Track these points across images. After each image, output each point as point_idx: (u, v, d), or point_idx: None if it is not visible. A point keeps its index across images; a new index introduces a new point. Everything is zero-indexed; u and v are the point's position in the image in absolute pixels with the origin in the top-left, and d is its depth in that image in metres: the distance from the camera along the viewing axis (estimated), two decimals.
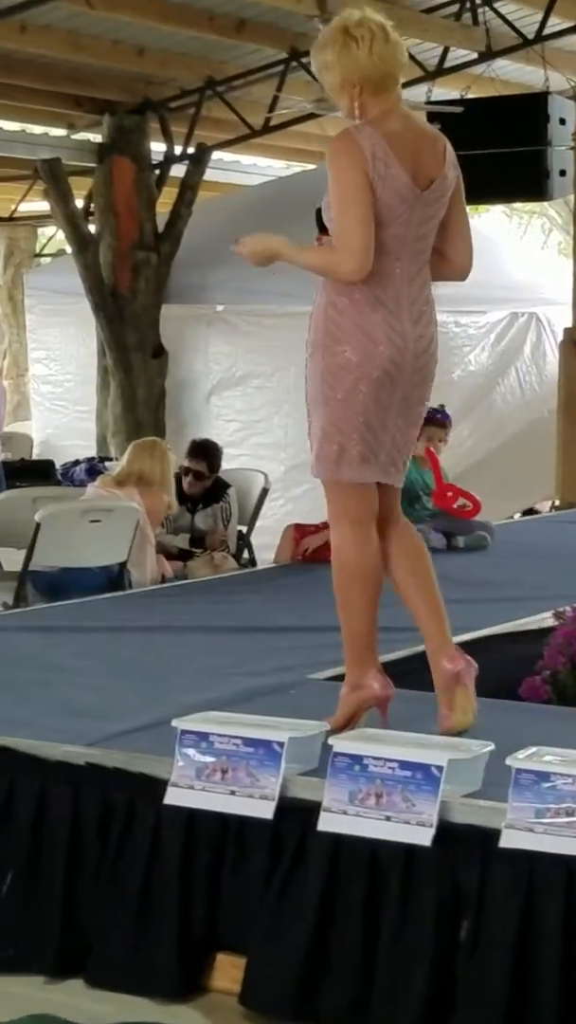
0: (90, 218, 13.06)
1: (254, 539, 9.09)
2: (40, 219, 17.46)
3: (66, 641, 5.91)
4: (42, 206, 15.72)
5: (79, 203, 12.87)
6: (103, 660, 5.46)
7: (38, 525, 7.39)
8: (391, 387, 4.29)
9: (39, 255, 19.37)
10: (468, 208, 4.52)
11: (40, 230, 19.92)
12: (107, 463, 10.42)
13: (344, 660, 4.46)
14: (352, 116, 4.28)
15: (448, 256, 4.46)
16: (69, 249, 13.33)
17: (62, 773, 4.08)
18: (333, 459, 4.31)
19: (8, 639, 6.00)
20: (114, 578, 7.56)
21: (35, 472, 10.54)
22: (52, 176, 12.38)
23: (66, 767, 4.08)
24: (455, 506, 8.31)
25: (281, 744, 3.79)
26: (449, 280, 4.54)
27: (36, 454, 13.23)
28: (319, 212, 4.43)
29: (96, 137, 12.88)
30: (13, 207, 15.96)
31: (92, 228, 12.76)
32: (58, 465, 10.85)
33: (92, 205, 13.17)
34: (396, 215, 4.23)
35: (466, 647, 4.51)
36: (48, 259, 18.89)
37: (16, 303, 19.07)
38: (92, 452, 12.05)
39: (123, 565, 7.55)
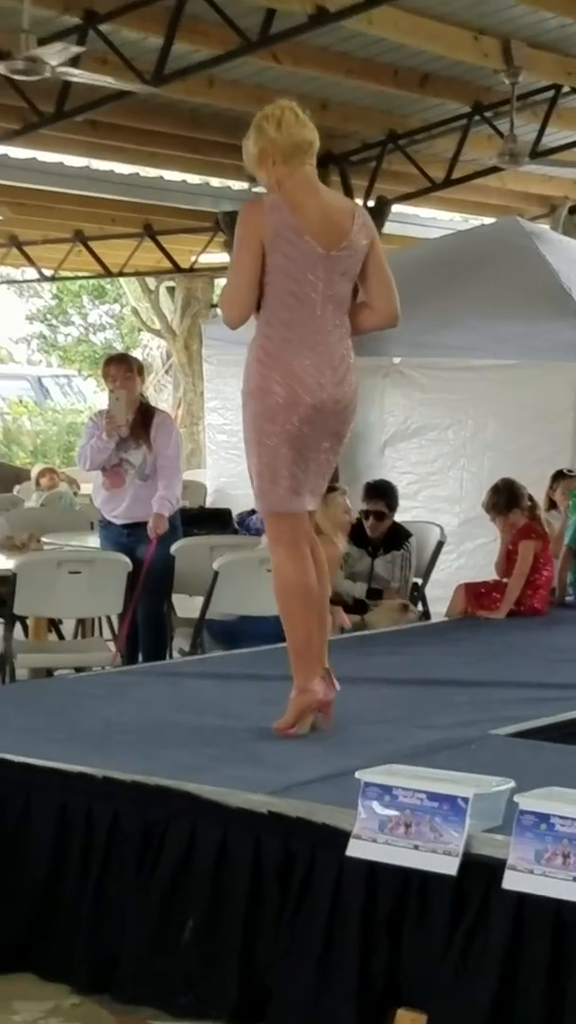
0: None
1: (427, 591, 9.07)
2: (217, 271, 17.70)
3: (244, 689, 5.95)
4: (220, 257, 15.94)
5: None
6: (282, 709, 5.45)
7: (216, 573, 7.45)
8: (314, 428, 4.88)
9: (215, 306, 19.65)
10: None
11: (217, 281, 20.22)
12: None
13: (293, 667, 5.00)
14: (271, 188, 4.90)
15: (374, 306, 5.05)
16: None
17: (243, 821, 4.09)
18: (267, 493, 4.93)
19: (187, 686, 6.05)
20: None
21: (212, 520, 10.61)
22: (233, 228, 12.49)
23: (248, 815, 4.09)
24: None
25: (466, 799, 3.75)
26: (380, 327, 5.17)
27: (210, 502, 13.34)
28: None
29: None
30: (193, 259, 16.19)
31: None
32: (234, 514, 10.91)
33: None
34: (305, 272, 4.83)
35: None
36: None
37: (192, 353, 19.36)
38: None
39: None
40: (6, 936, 4.31)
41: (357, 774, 3.93)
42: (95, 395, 29.38)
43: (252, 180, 13.37)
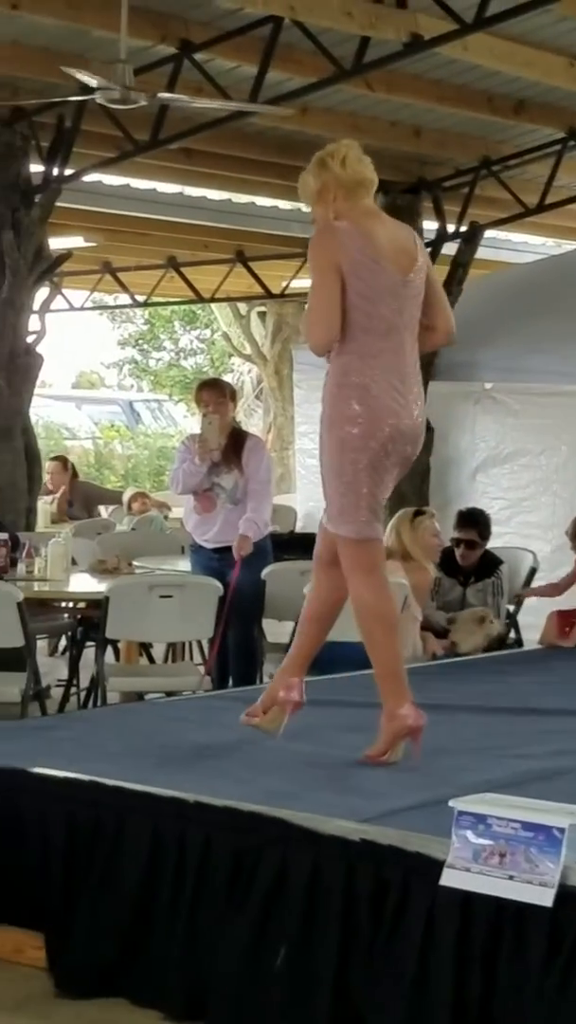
0: None
1: (519, 619, 9.01)
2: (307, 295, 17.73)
3: (334, 715, 5.92)
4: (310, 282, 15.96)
5: None
6: (371, 736, 5.43)
7: (306, 598, 7.42)
8: (390, 453, 4.96)
9: None
10: None
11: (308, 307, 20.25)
12: None
13: (381, 693, 5.04)
14: (326, 221, 4.98)
15: (435, 326, 5.16)
16: None
17: (336, 848, 4.07)
18: (350, 520, 4.95)
19: None
20: None
21: (302, 545, 10.56)
22: None
23: (340, 842, 4.07)
24: None
25: (562, 830, 3.71)
26: (440, 346, 5.42)
27: (300, 527, 13.34)
28: None
29: None
30: (284, 284, 16.24)
31: None
32: None
33: None
34: (384, 297, 4.90)
35: None
36: None
37: (283, 378, 19.44)
38: None
39: None
40: (99, 961, 4.33)
41: (451, 803, 3.91)
42: (185, 420, 29.53)
43: None
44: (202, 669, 8.07)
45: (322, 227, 5.01)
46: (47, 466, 13.12)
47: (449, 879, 3.81)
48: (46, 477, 12.86)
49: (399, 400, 4.94)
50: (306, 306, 5.00)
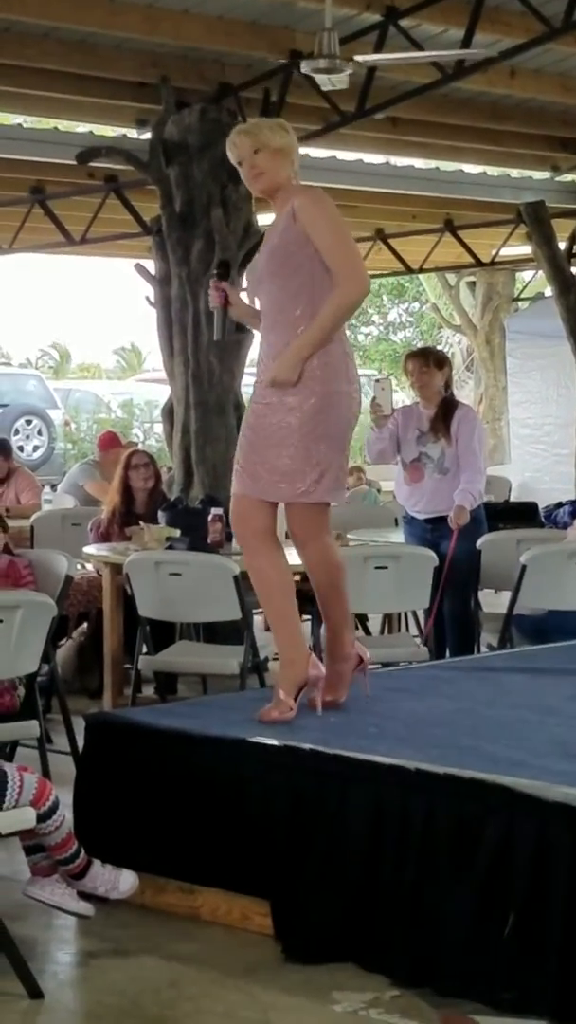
0: (573, 260, 12.98)
1: None
2: (518, 263, 17.51)
3: (557, 684, 5.86)
4: (521, 250, 15.77)
5: (561, 245, 12.83)
6: None
7: (523, 567, 7.34)
8: (352, 423, 5.19)
9: (517, 299, 19.45)
10: None
11: (518, 275, 20.02)
12: None
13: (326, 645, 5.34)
14: (290, 178, 5.15)
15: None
16: (548, 292, 13.29)
17: (563, 815, 4.01)
18: (316, 485, 5.11)
19: (497, 680, 6.00)
20: None
21: (517, 514, 10.46)
22: (536, 219, 12.37)
23: (567, 809, 4.01)
24: None
25: None
26: None
27: (514, 497, 13.23)
28: (226, 264, 5.93)
29: None
30: (494, 252, 16.06)
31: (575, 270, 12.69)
32: (540, 507, 10.77)
33: None
34: None
35: None
36: (526, 303, 18.94)
37: (494, 347, 19.24)
38: (571, 495, 11.93)
39: None
40: (327, 926, 4.34)
41: None
42: (395, 393, 29.46)
43: (555, 169, 13.25)
44: (418, 640, 8.03)
45: (314, 188, 5.21)
46: None
47: None
48: None
49: (355, 372, 5.29)
50: (336, 257, 5.02)
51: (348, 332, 5.38)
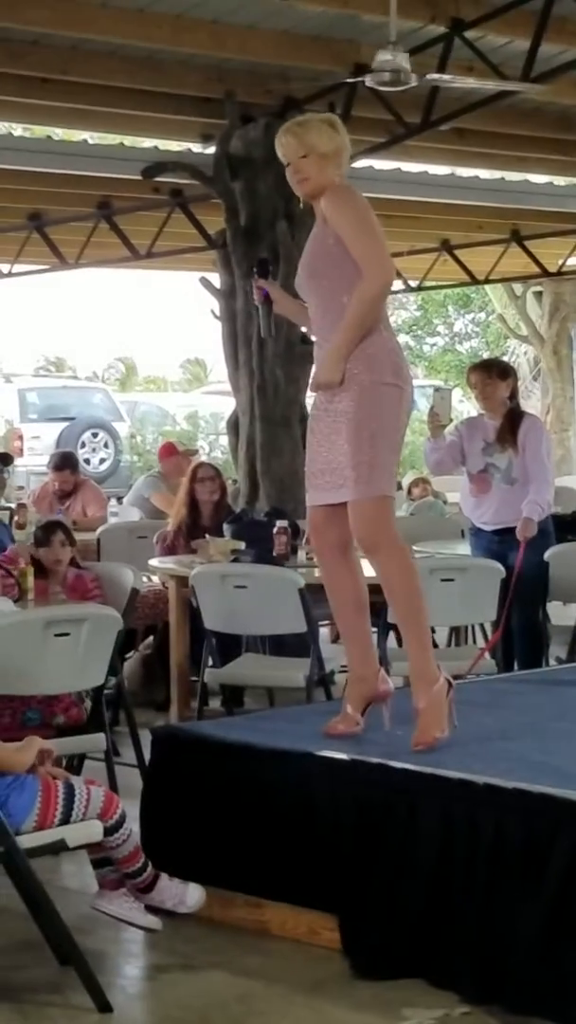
0: None
1: None
2: None
3: None
4: None
5: None
6: None
7: None
8: (403, 419, 5.10)
9: None
10: None
11: None
12: None
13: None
14: (335, 181, 5.08)
15: None
16: None
17: None
18: (387, 479, 5.02)
19: (566, 693, 5.97)
20: None
21: None
22: None
23: None
24: None
25: None
26: None
27: None
28: (265, 262, 5.75)
29: None
30: (561, 262, 15.98)
31: None
32: None
33: None
34: None
35: None
36: None
37: (561, 358, 19.16)
38: None
39: None
40: (395, 942, 4.32)
41: None
42: (461, 404, 29.38)
43: None
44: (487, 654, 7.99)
45: (345, 185, 5.12)
46: None
47: None
48: None
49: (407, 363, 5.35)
50: (358, 248, 4.98)
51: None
